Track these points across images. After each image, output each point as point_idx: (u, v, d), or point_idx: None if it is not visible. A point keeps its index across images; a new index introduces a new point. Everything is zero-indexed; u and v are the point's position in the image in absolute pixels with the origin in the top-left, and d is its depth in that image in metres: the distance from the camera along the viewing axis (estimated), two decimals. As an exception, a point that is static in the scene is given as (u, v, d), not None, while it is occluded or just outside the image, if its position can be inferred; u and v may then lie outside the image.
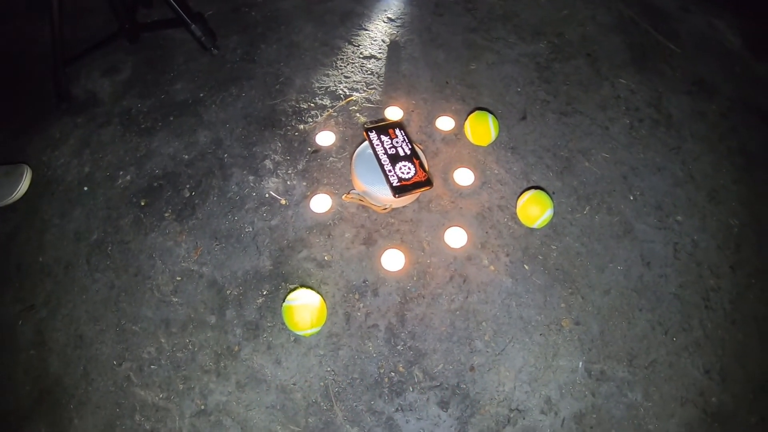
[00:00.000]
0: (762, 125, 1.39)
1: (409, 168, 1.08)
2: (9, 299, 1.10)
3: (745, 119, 1.39)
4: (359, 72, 1.38)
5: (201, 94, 1.35)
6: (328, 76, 1.37)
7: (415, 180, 1.07)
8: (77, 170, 1.25)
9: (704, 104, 1.40)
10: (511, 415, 0.94)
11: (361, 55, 1.42)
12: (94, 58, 1.41)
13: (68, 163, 1.26)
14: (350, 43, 1.45)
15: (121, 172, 1.23)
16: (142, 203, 1.17)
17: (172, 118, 1.31)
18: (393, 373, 0.97)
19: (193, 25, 1.32)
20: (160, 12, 1.53)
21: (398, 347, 0.99)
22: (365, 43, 1.45)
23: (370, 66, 1.39)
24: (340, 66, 1.39)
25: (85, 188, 1.22)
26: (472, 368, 0.98)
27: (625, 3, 1.62)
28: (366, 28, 1.49)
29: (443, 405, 0.95)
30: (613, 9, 1.59)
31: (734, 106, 1.42)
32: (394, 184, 1.05)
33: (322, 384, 0.96)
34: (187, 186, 1.19)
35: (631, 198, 1.20)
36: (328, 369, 0.97)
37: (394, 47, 1.43)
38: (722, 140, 1.34)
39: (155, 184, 1.20)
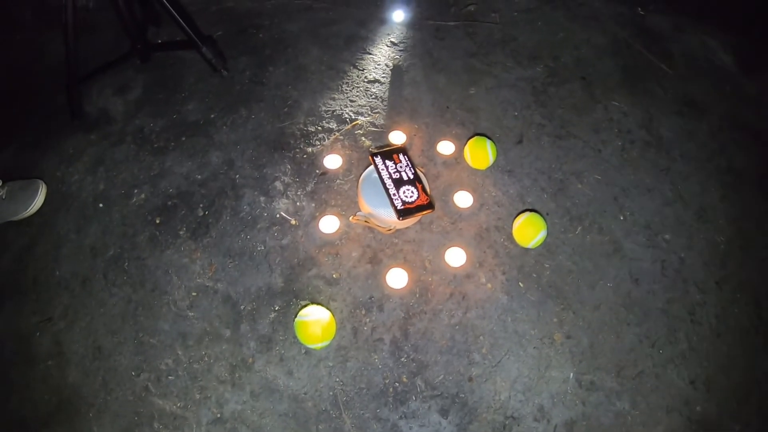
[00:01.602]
0: (750, 143, 1.45)
1: (412, 192, 1.14)
2: (26, 311, 1.15)
3: (734, 137, 1.45)
4: (364, 96, 1.43)
5: (212, 115, 1.40)
6: (334, 99, 1.43)
7: (418, 203, 1.13)
8: (92, 187, 1.30)
9: (694, 124, 1.47)
10: (507, 422, 1.01)
11: (365, 79, 1.47)
12: (106, 76, 1.45)
13: (83, 179, 1.31)
14: (355, 66, 1.50)
15: (136, 190, 1.28)
16: (157, 221, 1.23)
17: (184, 138, 1.36)
18: (397, 383, 1.03)
19: (204, 48, 1.37)
20: (168, 30, 1.58)
21: (402, 359, 1.05)
22: (369, 67, 1.50)
23: (374, 90, 1.44)
24: (346, 90, 1.45)
25: (101, 205, 1.27)
26: (470, 379, 1.04)
27: (619, 25, 1.68)
28: (370, 52, 1.54)
29: (444, 413, 1.01)
30: (608, 31, 1.65)
31: (724, 125, 1.48)
32: (399, 207, 1.11)
33: (331, 393, 1.02)
34: (201, 205, 1.24)
35: (621, 218, 1.26)
36: (337, 379, 1.03)
37: (397, 71, 1.49)
38: (711, 159, 1.40)
39: (169, 203, 1.25)
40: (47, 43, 1.58)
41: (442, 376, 1.04)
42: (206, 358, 1.06)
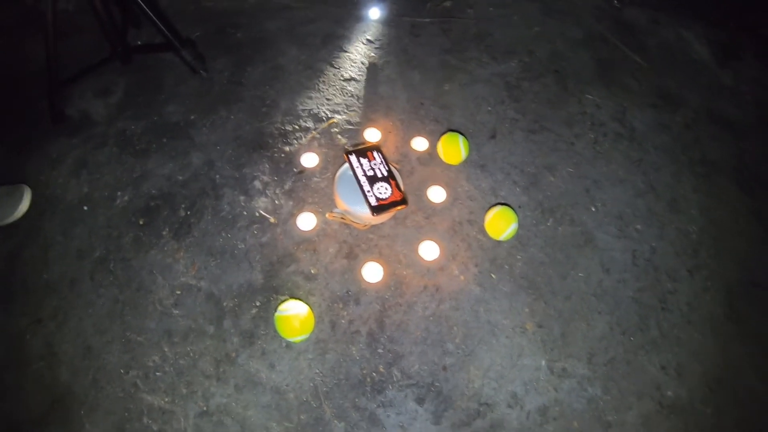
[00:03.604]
0: (724, 133, 1.48)
1: (386, 188, 1.18)
2: (16, 314, 1.17)
3: (708, 129, 1.48)
4: (340, 94, 1.46)
5: (192, 117, 1.42)
6: (311, 98, 1.45)
7: (392, 199, 1.17)
8: (76, 190, 1.32)
9: (668, 116, 1.49)
10: (481, 409, 1.05)
11: (341, 78, 1.49)
12: (87, 79, 1.46)
13: (67, 182, 1.33)
14: (331, 65, 1.52)
15: (119, 192, 1.30)
16: (141, 222, 1.25)
17: (165, 140, 1.38)
18: (374, 374, 1.07)
19: (183, 50, 1.38)
20: (149, 31, 1.59)
21: (378, 350, 1.09)
22: (346, 65, 1.52)
23: (350, 88, 1.47)
24: (323, 89, 1.47)
25: (85, 207, 1.29)
26: (444, 368, 1.08)
27: (595, 18, 1.70)
28: (346, 50, 1.56)
29: (420, 401, 1.05)
30: (584, 25, 1.67)
31: (698, 117, 1.50)
32: (373, 204, 1.15)
33: (311, 385, 1.06)
34: (183, 206, 1.27)
35: (593, 209, 1.30)
36: (317, 371, 1.07)
37: (372, 69, 1.51)
38: (684, 151, 1.43)
39: (152, 204, 1.28)
40: (29, 47, 1.59)
41: (417, 366, 1.08)
42: (191, 354, 1.09)
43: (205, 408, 1.04)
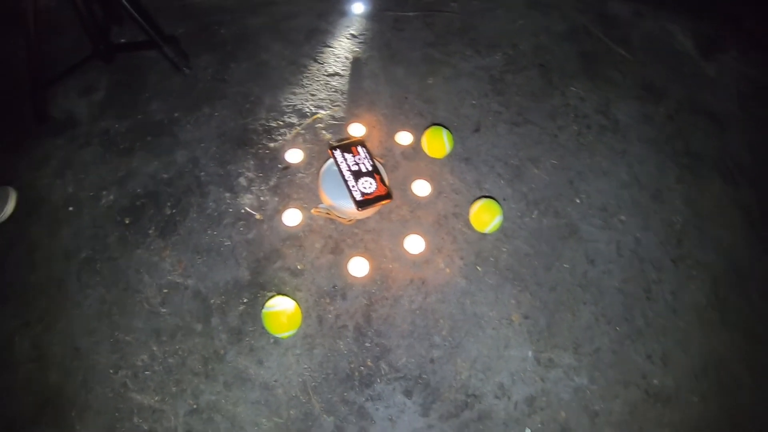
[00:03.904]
0: (707, 124, 1.49)
1: (370, 183, 1.18)
2: (4, 317, 1.16)
3: (691, 120, 1.49)
4: (324, 90, 1.45)
5: (176, 114, 1.41)
6: (295, 94, 1.45)
7: (376, 194, 1.17)
8: (61, 190, 1.31)
9: (652, 108, 1.50)
10: (468, 401, 1.06)
11: (325, 73, 1.49)
12: (70, 78, 1.45)
13: (52, 183, 1.32)
14: (315, 60, 1.52)
15: (104, 192, 1.29)
16: (127, 221, 1.25)
17: (149, 138, 1.37)
18: (362, 368, 1.08)
19: (166, 47, 1.38)
20: (131, 29, 1.57)
21: (366, 344, 1.10)
22: (329, 61, 1.52)
23: (334, 83, 1.47)
24: (306, 84, 1.47)
25: (71, 208, 1.28)
26: (432, 360, 1.09)
27: (579, 11, 1.70)
28: (330, 45, 1.55)
29: (408, 393, 1.06)
30: (568, 18, 1.67)
31: (682, 108, 1.51)
32: (358, 199, 1.15)
33: (300, 380, 1.06)
34: (168, 204, 1.27)
35: (578, 201, 1.31)
36: (305, 366, 1.07)
37: (356, 64, 1.51)
38: (668, 142, 1.44)
39: (138, 203, 1.27)
40: (10, 47, 1.57)
41: (404, 359, 1.09)
42: (180, 352, 1.10)
43: (194, 406, 1.05)
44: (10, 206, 1.27)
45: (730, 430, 1.11)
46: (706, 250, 1.28)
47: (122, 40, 1.56)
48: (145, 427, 1.04)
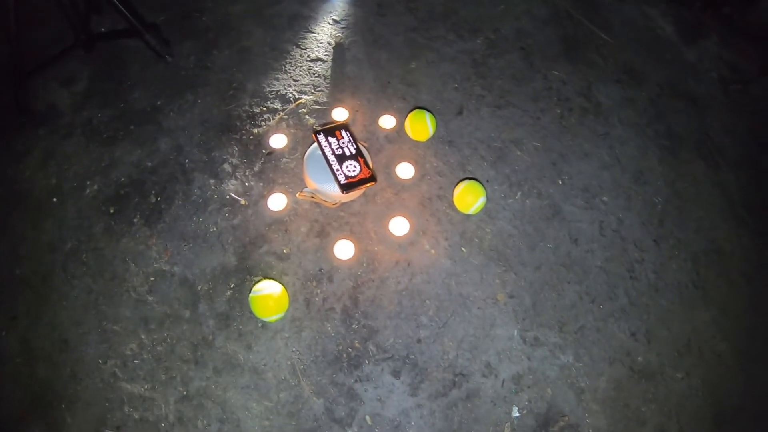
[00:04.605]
0: (688, 108, 1.51)
1: (354, 166, 1.19)
2: (-10, 313, 1.16)
3: (672, 104, 1.51)
4: (307, 75, 1.45)
5: (159, 102, 1.40)
6: (278, 80, 1.44)
7: (361, 177, 1.18)
8: (44, 182, 1.29)
9: (633, 91, 1.52)
10: (456, 380, 1.08)
11: (308, 58, 1.48)
12: (51, 68, 1.42)
13: (34, 175, 1.31)
14: (298, 46, 1.51)
15: (88, 182, 1.28)
16: (112, 211, 1.24)
17: (132, 127, 1.36)
18: (350, 349, 1.09)
19: (147, 35, 1.36)
20: (111, 18, 1.55)
21: (353, 326, 1.11)
22: (312, 46, 1.51)
23: (317, 69, 1.46)
24: (289, 69, 1.46)
25: (54, 199, 1.27)
26: (419, 341, 1.11)
27: (561, -6, 1.70)
28: (312, 30, 1.54)
29: (396, 374, 1.07)
30: (549, 2, 1.67)
31: (663, 92, 1.53)
32: (342, 182, 1.16)
33: (289, 363, 1.07)
34: (153, 192, 1.26)
35: (560, 182, 1.33)
36: (294, 349, 1.08)
37: (339, 49, 1.50)
38: (650, 125, 1.45)
39: (122, 192, 1.26)
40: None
41: (392, 340, 1.10)
42: (169, 340, 1.10)
43: (185, 393, 1.05)
44: (-8, 199, 1.26)
45: (713, 405, 1.14)
46: (687, 231, 1.31)
47: (102, 29, 1.54)
48: (136, 416, 1.04)
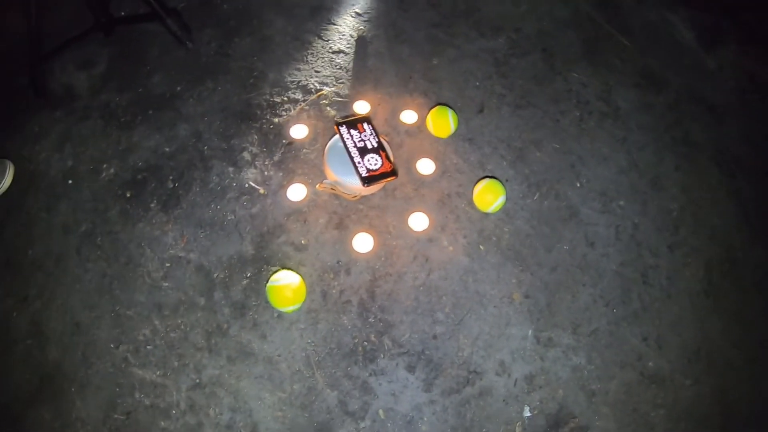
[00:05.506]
0: (706, 116, 1.50)
1: (376, 160, 1.18)
2: (1, 293, 1.16)
3: (690, 110, 1.49)
4: (329, 66, 1.44)
5: (178, 88, 1.40)
6: (299, 70, 1.44)
7: (382, 171, 1.17)
8: (60, 164, 1.30)
9: (652, 96, 1.50)
10: (470, 377, 1.08)
11: (330, 50, 1.48)
12: (69, 51, 1.42)
13: (50, 157, 1.31)
14: (320, 37, 1.50)
15: (105, 165, 1.28)
16: (128, 195, 1.24)
17: (151, 112, 1.36)
18: (366, 343, 1.09)
19: (169, 20, 1.36)
20: (131, 2, 1.55)
21: (370, 320, 1.11)
22: (334, 38, 1.50)
23: (338, 61, 1.45)
24: (311, 60, 1.45)
25: (70, 181, 1.27)
26: (434, 337, 1.10)
27: (582, -3, 1.70)
28: (334, 22, 1.53)
29: (411, 369, 1.07)
30: (570, 4, 1.66)
31: (681, 98, 1.52)
32: (363, 175, 1.16)
33: (303, 354, 1.07)
34: (170, 177, 1.26)
35: (578, 185, 1.32)
36: (309, 341, 1.08)
37: (361, 42, 1.50)
38: (667, 131, 1.44)
39: (139, 177, 1.26)
40: (9, 20, 1.54)
41: (408, 335, 1.10)
42: (182, 327, 1.10)
43: (197, 380, 1.05)
44: (7, 180, 1.26)
45: (721, 412, 1.14)
46: (701, 238, 1.30)
47: (122, 13, 1.53)
48: (147, 402, 1.04)
